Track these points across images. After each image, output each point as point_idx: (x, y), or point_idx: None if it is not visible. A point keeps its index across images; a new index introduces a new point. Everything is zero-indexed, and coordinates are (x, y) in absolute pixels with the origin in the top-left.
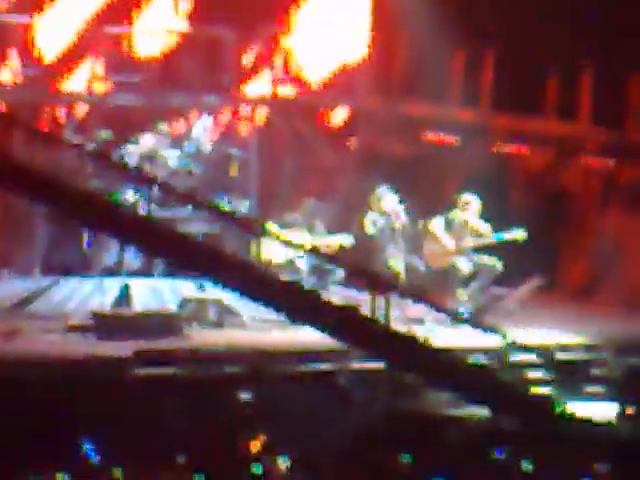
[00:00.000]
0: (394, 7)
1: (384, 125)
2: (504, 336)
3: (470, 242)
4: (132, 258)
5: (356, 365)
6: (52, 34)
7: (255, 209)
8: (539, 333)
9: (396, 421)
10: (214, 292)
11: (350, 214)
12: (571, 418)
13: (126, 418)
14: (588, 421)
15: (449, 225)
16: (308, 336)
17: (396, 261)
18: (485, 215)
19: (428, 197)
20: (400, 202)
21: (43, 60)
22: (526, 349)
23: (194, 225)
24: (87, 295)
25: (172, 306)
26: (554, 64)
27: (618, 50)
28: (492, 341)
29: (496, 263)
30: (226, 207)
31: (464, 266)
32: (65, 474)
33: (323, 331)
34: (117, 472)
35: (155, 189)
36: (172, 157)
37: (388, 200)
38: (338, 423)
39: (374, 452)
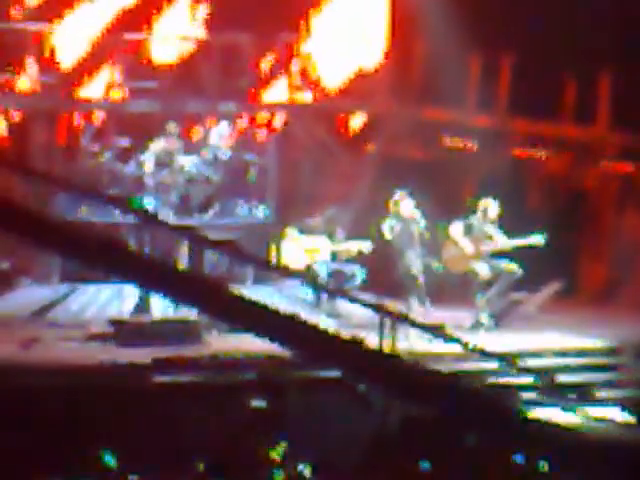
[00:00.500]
0: (411, 13)
1: (402, 130)
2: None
3: (489, 247)
4: None
5: None
6: (69, 42)
7: (273, 215)
8: (555, 338)
9: (414, 427)
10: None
11: (368, 219)
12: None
13: (145, 425)
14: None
15: (468, 230)
16: None
17: (414, 266)
18: (503, 219)
19: (446, 202)
20: (418, 207)
21: (61, 68)
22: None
23: (213, 232)
24: (106, 302)
25: (190, 313)
26: (572, 68)
27: (636, 54)
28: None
29: (515, 268)
30: (244, 213)
31: (483, 271)
32: None
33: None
34: (135, 479)
35: (174, 196)
36: (189, 163)
37: (406, 205)
38: (357, 429)
39: (393, 457)
